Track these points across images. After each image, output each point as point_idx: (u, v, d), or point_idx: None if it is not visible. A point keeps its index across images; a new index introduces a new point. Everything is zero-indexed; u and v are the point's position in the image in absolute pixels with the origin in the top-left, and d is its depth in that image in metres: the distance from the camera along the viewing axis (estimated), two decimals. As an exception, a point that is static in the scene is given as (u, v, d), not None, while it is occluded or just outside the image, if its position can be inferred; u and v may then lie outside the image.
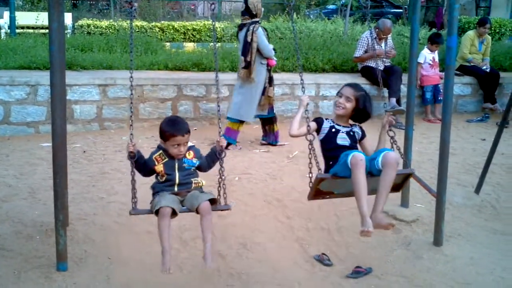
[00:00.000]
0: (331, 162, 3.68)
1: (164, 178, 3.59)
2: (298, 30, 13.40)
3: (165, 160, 3.58)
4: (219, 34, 15.69)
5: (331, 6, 23.57)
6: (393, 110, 8.21)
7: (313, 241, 4.63)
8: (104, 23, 15.08)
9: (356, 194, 3.45)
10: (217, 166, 3.78)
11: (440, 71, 8.98)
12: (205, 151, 3.84)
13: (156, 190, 3.61)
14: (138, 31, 14.18)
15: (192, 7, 24.19)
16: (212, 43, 13.30)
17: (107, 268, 4.06)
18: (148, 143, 6.75)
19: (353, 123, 3.89)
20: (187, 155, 3.63)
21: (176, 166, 3.59)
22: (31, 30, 13.20)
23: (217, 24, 16.38)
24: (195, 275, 4.06)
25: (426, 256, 4.38)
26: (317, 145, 3.72)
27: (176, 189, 3.58)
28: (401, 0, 26.45)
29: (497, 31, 14.88)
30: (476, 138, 7.99)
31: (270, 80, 7.08)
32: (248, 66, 6.85)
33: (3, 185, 5.55)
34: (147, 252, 4.30)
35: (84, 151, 6.74)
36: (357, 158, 3.38)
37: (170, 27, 15.91)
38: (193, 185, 3.65)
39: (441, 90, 8.96)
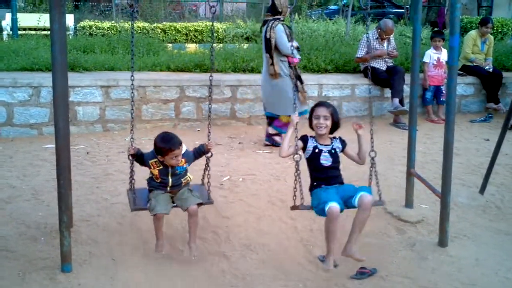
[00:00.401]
0: (315, 183, 4.07)
1: (158, 180, 4.16)
2: (300, 30, 13.41)
3: (160, 167, 4.11)
4: (221, 35, 15.68)
5: (332, 7, 23.54)
6: (396, 111, 8.21)
7: (317, 242, 4.61)
8: (106, 24, 15.07)
9: (326, 238, 3.95)
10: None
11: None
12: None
13: (151, 186, 4.20)
14: (140, 32, 14.17)
15: (194, 8, 24.20)
16: (214, 44, 13.35)
17: (111, 269, 4.05)
18: (150, 145, 6.65)
19: (333, 137, 4.17)
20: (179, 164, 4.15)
21: (170, 173, 4.13)
22: (33, 32, 13.20)
23: (218, 25, 16.38)
24: (199, 275, 4.05)
25: (431, 257, 4.37)
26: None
27: (168, 189, 4.19)
28: (402, 0, 26.44)
29: (499, 30, 14.84)
30: (479, 139, 7.98)
31: (299, 77, 7.05)
32: (272, 62, 6.87)
33: (6, 186, 5.54)
34: (151, 252, 4.29)
35: (88, 153, 6.74)
36: (333, 213, 3.76)
37: (172, 28, 15.90)
38: (183, 183, 4.24)
39: (444, 91, 8.95)
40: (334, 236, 3.88)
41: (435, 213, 4.99)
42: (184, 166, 4.18)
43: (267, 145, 7.22)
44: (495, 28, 14.11)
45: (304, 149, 4.05)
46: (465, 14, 17.33)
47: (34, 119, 7.42)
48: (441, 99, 9.01)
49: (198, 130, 7.75)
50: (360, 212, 3.89)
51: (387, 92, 8.70)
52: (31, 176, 5.88)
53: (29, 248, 4.26)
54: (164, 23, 16.37)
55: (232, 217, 4.97)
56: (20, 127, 7.40)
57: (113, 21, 15.88)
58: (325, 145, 4.07)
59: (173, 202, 4.16)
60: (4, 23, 14.95)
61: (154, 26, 15.28)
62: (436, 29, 12.56)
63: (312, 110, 4.10)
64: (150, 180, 4.21)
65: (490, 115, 9.19)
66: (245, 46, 11.54)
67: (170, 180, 4.13)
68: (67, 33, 14.41)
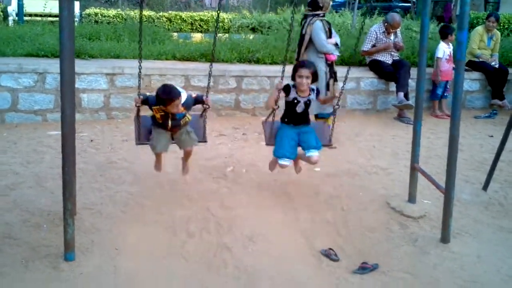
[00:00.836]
0: (286, 119, 4.99)
1: (160, 121, 4.63)
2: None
3: (161, 113, 4.56)
4: (226, 25, 15.66)
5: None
6: (401, 105, 8.19)
7: (319, 235, 4.61)
8: (112, 12, 15.07)
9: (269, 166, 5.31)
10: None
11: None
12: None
13: (154, 123, 4.72)
14: (145, 21, 14.14)
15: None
16: (219, 34, 13.31)
17: (114, 258, 4.06)
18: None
19: (311, 88, 4.93)
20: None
21: (170, 117, 4.59)
22: (38, 18, 13.18)
23: (224, 15, 16.36)
24: (201, 266, 4.06)
25: (433, 252, 4.37)
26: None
27: (169, 128, 4.69)
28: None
29: (505, 27, 14.78)
30: (483, 135, 7.96)
31: (334, 75, 6.94)
32: (298, 58, 6.80)
33: (10, 172, 5.55)
34: (154, 242, 4.32)
35: (92, 140, 6.74)
36: (282, 167, 4.96)
37: (178, 17, 15.91)
38: (182, 123, 4.71)
39: (448, 86, 8.93)
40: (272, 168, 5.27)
41: (437, 208, 4.99)
42: (183, 112, 4.63)
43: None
44: (501, 24, 14.05)
45: (286, 95, 4.88)
46: (472, 9, 17.23)
47: (39, 105, 7.42)
48: (445, 94, 8.98)
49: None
50: (306, 160, 5.06)
51: (392, 86, 8.67)
52: (35, 162, 5.89)
53: (32, 235, 4.27)
54: (170, 12, 16.37)
55: (235, 208, 4.98)
56: (25, 113, 7.40)
57: (118, 9, 15.87)
58: (303, 97, 4.89)
59: (172, 139, 4.77)
60: (10, 9, 14.92)
61: (159, 15, 15.27)
62: (444, 23, 12.48)
63: (296, 68, 4.83)
64: (153, 119, 4.70)
65: (494, 111, 9.16)
66: (251, 36, 11.52)
67: (170, 123, 4.62)
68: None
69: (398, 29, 8.80)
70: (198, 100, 4.80)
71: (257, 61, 8.91)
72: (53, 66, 7.36)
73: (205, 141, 4.99)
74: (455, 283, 3.95)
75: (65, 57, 3.57)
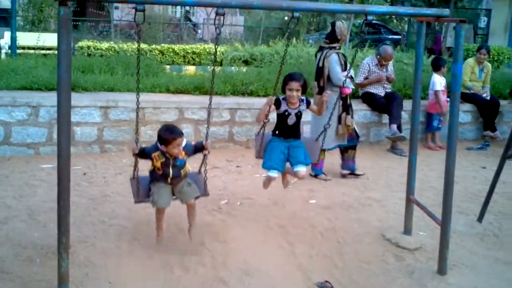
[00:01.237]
0: (277, 132, 5.06)
1: (160, 172, 4.47)
2: (297, 55, 13.48)
3: (162, 160, 4.42)
4: (219, 58, 15.76)
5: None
6: (394, 137, 8.23)
7: (316, 268, 4.57)
8: (104, 45, 15.13)
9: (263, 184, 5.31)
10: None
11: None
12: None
13: (153, 177, 4.56)
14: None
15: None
16: (211, 66, 13.40)
17: (108, 293, 4.01)
18: (148, 165, 6.70)
19: (301, 99, 5.02)
20: (179, 155, 4.45)
21: (171, 164, 4.44)
22: (31, 51, 13.23)
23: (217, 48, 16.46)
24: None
25: (430, 285, 4.34)
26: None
27: (169, 181, 4.52)
28: (399, 27, 26.71)
29: (495, 59, 14.97)
30: (476, 166, 8.00)
31: (347, 108, 6.88)
32: (320, 91, 6.71)
33: (2, 206, 5.51)
34: (148, 277, 4.26)
35: (85, 174, 6.71)
36: (270, 179, 5.10)
37: (170, 50, 15.99)
38: (182, 174, 4.56)
39: (441, 118, 9.00)
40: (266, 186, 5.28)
41: (433, 240, 4.99)
42: (184, 158, 4.49)
43: (344, 175, 7.16)
44: (491, 56, 14.22)
45: (277, 108, 4.98)
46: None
47: (31, 138, 7.40)
48: (438, 126, 9.05)
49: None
50: (293, 175, 5.11)
51: (385, 118, 8.73)
52: (28, 196, 5.85)
53: (24, 269, 4.21)
54: (163, 44, 16.46)
55: (229, 241, 4.93)
56: (17, 146, 7.37)
57: (111, 42, 15.95)
58: (293, 109, 4.99)
59: (173, 194, 4.59)
60: (2, 42, 14.99)
61: (152, 48, 15.34)
62: (436, 56, 12.64)
63: (286, 81, 4.93)
64: (152, 172, 4.54)
65: (487, 143, 9.23)
66: (244, 69, 11.59)
67: (171, 171, 4.44)
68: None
69: (390, 62, 8.90)
70: (198, 148, 4.67)
71: (251, 94, 8.95)
72: (46, 99, 7.37)
73: (207, 195, 4.83)
74: (453, 316, 3.92)
75: (62, 89, 3.59)
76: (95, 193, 6.05)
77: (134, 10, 3.76)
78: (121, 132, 7.73)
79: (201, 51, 16.27)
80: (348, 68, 6.82)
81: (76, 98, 7.55)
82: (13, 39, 14.27)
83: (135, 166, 4.53)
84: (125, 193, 6.04)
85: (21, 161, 7.14)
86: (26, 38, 14.54)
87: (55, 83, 8.04)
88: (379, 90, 8.78)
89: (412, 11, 4.63)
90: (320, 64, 6.79)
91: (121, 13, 22.64)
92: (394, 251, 4.95)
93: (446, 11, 4.50)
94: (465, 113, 9.56)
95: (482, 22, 19.99)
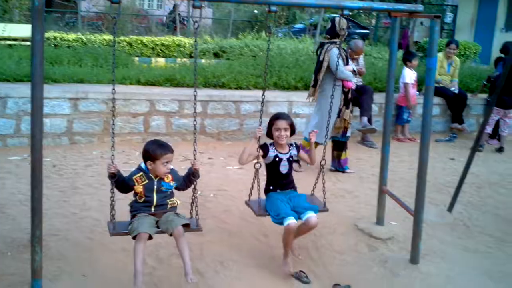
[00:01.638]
0: (271, 187, 4.47)
1: (142, 199, 3.87)
2: (266, 47, 13.48)
3: (145, 182, 3.85)
4: (188, 50, 15.69)
5: (299, 25, 23.84)
6: (365, 129, 8.30)
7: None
8: (71, 36, 14.89)
9: (285, 246, 4.36)
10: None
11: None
12: (177, 166, 4.13)
13: (135, 209, 3.91)
14: (106, 45, 14.05)
15: (160, 22, 24.17)
16: (181, 59, 13.32)
17: (83, 285, 3.97)
18: (119, 158, 6.63)
19: (290, 144, 4.53)
20: (165, 178, 3.91)
21: (155, 188, 3.87)
22: (-4, 42, 12.94)
23: (185, 40, 16.40)
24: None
25: (403, 273, 4.41)
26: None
27: (153, 210, 3.88)
28: (367, 21, 26.93)
29: (462, 53, 15.20)
30: (444, 158, 8.13)
31: (347, 102, 6.91)
32: (315, 84, 6.83)
33: (-30, 199, 5.39)
34: (122, 270, 4.21)
35: (54, 166, 6.60)
36: (292, 228, 4.15)
37: (139, 41, 15.83)
38: (169, 206, 3.96)
39: (411, 111, 9.14)
40: (290, 244, 4.34)
41: (405, 230, 5.07)
42: (171, 184, 3.94)
43: (332, 171, 7.11)
44: (458, 51, 14.43)
45: (264, 156, 4.40)
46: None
47: (-1, 130, 7.26)
48: (407, 119, 9.17)
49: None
50: (304, 228, 4.28)
51: (356, 111, 8.78)
52: (-4, 189, 5.74)
53: (-4, 263, 4.14)
54: (131, 36, 16.28)
55: (204, 233, 4.90)
56: (-16, 138, 7.22)
57: (78, 33, 15.71)
58: (284, 153, 4.45)
59: (158, 227, 3.81)
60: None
61: (120, 40, 15.15)
62: (407, 50, 12.79)
63: (272, 122, 4.43)
64: (133, 203, 3.92)
65: (454, 135, 9.39)
66: (213, 61, 11.57)
67: (155, 197, 3.85)
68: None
69: (361, 55, 8.96)
70: (188, 174, 4.05)
71: (222, 86, 8.93)
72: (14, 90, 7.23)
73: (200, 229, 4.07)
74: (427, 304, 3.99)
75: (36, 82, 3.53)
76: (65, 185, 5.97)
77: (102, 1, 3.63)
78: (91, 124, 7.63)
79: (170, 43, 16.15)
80: (349, 62, 6.91)
81: (45, 90, 7.37)
82: (-23, 29, 13.92)
83: (112, 206, 3.81)
84: (96, 185, 6.00)
85: (-12, 153, 6.99)
86: (-10, 29, 14.19)
87: (23, 75, 7.96)
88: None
89: (386, 6, 4.67)
90: (321, 58, 6.84)
91: (89, 4, 22.31)
92: (367, 241, 5.01)
93: (420, 7, 4.60)
94: (434, 106, 9.65)
95: (448, 18, 20.25)
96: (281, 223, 4.19)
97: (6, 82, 7.86)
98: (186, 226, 3.84)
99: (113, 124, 3.93)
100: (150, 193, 3.85)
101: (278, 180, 4.46)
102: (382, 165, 5.16)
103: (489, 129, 8.96)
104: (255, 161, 4.31)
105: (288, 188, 4.48)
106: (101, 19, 20.11)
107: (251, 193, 4.42)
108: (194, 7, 3.79)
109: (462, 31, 19.33)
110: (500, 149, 8.80)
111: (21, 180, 5.97)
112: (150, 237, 3.73)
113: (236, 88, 8.97)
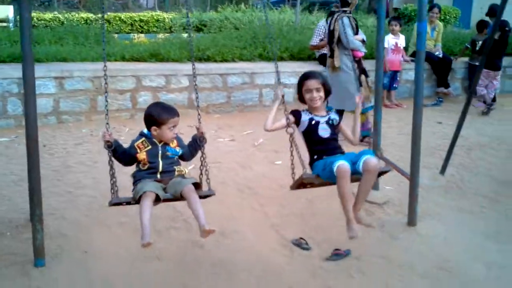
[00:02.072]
0: (315, 156, 3.75)
1: (146, 166, 3.49)
2: (248, 20, 13.38)
3: (148, 147, 3.49)
4: (167, 25, 15.52)
5: (277, -4, 23.61)
6: None
7: (288, 227, 4.63)
8: (48, 15, 14.66)
9: (342, 201, 3.58)
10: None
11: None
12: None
13: (138, 178, 3.49)
14: (83, 23, 13.86)
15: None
16: (160, 34, 13.18)
17: (84, 262, 3.96)
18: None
19: (328, 107, 4.00)
20: (170, 143, 3.57)
21: (160, 153, 3.50)
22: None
23: (164, 15, 16.24)
24: (174, 264, 4.00)
25: (401, 236, 4.47)
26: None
27: (159, 176, 3.48)
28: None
29: (442, 18, 15.22)
30: (432, 122, 8.20)
31: (364, 71, 6.91)
32: (332, 55, 6.80)
33: (-38, 182, 5.34)
34: (122, 244, 4.23)
35: (44, 145, 6.53)
36: (343, 170, 3.41)
37: (117, 18, 15.63)
38: (176, 173, 3.55)
39: (398, 78, 9.17)
40: (349, 200, 3.56)
41: (400, 194, 5.14)
42: (177, 150, 3.59)
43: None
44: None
45: (297, 123, 3.77)
46: (408, 2, 17.67)
47: (-15, 112, 7.15)
48: (393, 85, 9.20)
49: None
50: (366, 178, 3.53)
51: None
52: (-13, 171, 5.68)
53: (-4, 244, 4.12)
54: (109, 13, 16.06)
55: (202, 205, 4.91)
56: (-30, 120, 7.11)
57: (55, 12, 15.45)
58: (322, 116, 3.79)
59: (165, 192, 3.43)
60: None
61: (98, 17, 14.93)
62: (392, 16, 12.78)
63: (301, 83, 3.83)
64: (136, 172, 3.54)
65: (440, 99, 9.47)
66: (196, 35, 11.46)
67: (161, 163, 3.48)
68: (7, 24, 13.95)
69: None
70: (194, 140, 3.77)
71: (208, 59, 8.86)
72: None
73: (213, 194, 3.72)
74: (428, 265, 4.04)
75: (27, 62, 3.52)
76: (57, 165, 5.93)
77: None
78: (77, 102, 7.55)
79: (149, 18, 15.97)
80: (358, 31, 6.88)
81: (29, 69, 7.31)
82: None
83: (113, 183, 3.37)
84: (89, 162, 5.98)
85: (-25, 135, 6.90)
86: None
87: (5, 55, 7.80)
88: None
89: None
90: (331, 27, 6.80)
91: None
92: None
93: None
94: (419, 71, 9.74)
95: (427, -17, 20.28)
96: (331, 172, 3.48)
97: (-11, 62, 7.74)
98: (196, 188, 3.48)
99: (106, 92, 3.56)
100: (154, 159, 3.47)
101: (321, 147, 3.74)
102: (375, 131, 5.18)
103: (484, 91, 9.01)
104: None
105: (335, 153, 3.72)
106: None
107: (293, 172, 3.72)
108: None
109: (442, -4, 19.31)
110: (486, 112, 8.89)
111: (12, 161, 5.92)
112: (157, 200, 3.32)
113: (221, 61, 8.91)
